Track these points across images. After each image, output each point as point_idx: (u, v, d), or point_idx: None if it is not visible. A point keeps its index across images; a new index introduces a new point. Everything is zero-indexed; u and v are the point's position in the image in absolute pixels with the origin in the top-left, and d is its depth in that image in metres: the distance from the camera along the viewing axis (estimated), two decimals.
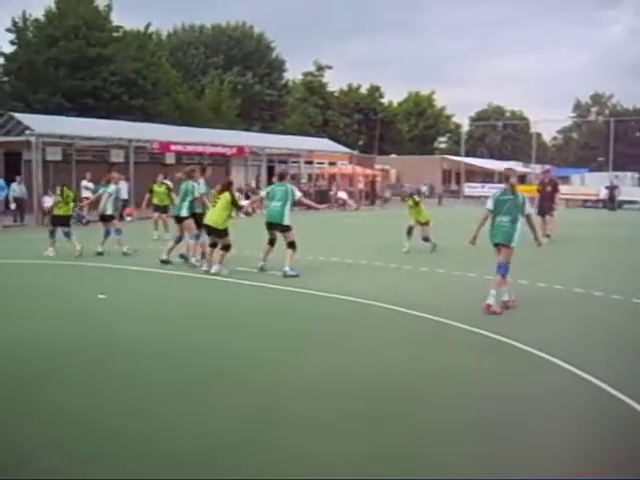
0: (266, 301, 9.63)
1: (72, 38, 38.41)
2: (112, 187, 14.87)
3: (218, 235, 11.59)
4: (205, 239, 12.24)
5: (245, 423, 4.87)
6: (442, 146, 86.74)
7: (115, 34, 41.77)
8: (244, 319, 8.37)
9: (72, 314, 8.56)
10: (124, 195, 26.46)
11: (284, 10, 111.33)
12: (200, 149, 31.05)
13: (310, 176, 41.66)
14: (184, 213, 12.63)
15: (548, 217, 17.12)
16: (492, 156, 75.14)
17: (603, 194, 38.55)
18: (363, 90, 73.94)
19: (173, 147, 30.47)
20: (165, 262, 12.62)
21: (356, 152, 42.57)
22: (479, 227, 8.91)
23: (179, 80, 48.06)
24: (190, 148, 30.93)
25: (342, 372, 6.06)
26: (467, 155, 56.25)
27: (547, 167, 29.50)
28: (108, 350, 6.74)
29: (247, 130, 45.19)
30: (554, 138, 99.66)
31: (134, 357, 6.55)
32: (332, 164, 44.42)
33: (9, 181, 24.08)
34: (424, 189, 14.00)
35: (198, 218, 12.50)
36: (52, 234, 14.16)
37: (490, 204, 8.84)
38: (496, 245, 8.73)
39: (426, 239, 14.80)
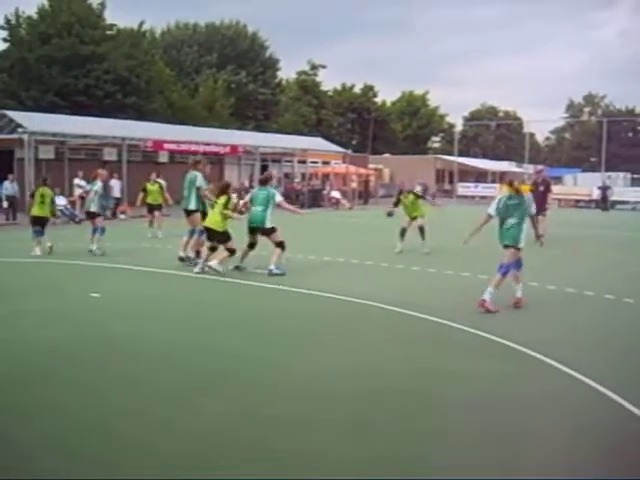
0: (262, 301, 9.64)
1: (65, 36, 38.24)
2: (98, 184, 14.74)
3: (217, 238, 11.42)
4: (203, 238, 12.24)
5: (244, 423, 4.87)
6: (435, 146, 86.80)
7: (108, 32, 41.60)
8: (241, 319, 8.38)
9: (68, 313, 8.54)
10: (116, 194, 26.47)
11: (278, 9, 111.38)
12: (193, 148, 30.96)
13: (303, 175, 41.63)
14: (192, 207, 12.52)
15: (540, 217, 17.13)
16: (485, 156, 75.22)
17: (596, 194, 38.69)
18: (357, 89, 73.92)
19: (166, 146, 30.42)
20: (183, 259, 12.41)
21: (350, 151, 42.57)
22: (476, 230, 9.07)
23: (173, 78, 47.93)
24: (183, 147, 30.88)
25: (340, 373, 6.06)
26: (460, 155, 56.36)
27: (540, 167, 29.52)
28: (106, 350, 6.73)
29: (241, 129, 45.11)
30: (547, 138, 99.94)
31: (132, 357, 6.54)
32: (326, 163, 44.42)
33: (1, 179, 23.99)
34: (418, 189, 14.00)
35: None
36: (36, 234, 14.13)
37: (493, 209, 9.00)
38: (506, 247, 8.88)
39: (421, 228, 14.61)
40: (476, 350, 6.86)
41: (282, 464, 4.22)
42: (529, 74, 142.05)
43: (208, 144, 31.50)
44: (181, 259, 12.44)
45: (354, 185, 40.98)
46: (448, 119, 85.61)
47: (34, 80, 37.77)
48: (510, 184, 9.18)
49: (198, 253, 12.30)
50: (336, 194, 36.86)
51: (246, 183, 34.58)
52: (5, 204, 23.45)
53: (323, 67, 68.71)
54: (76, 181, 24.89)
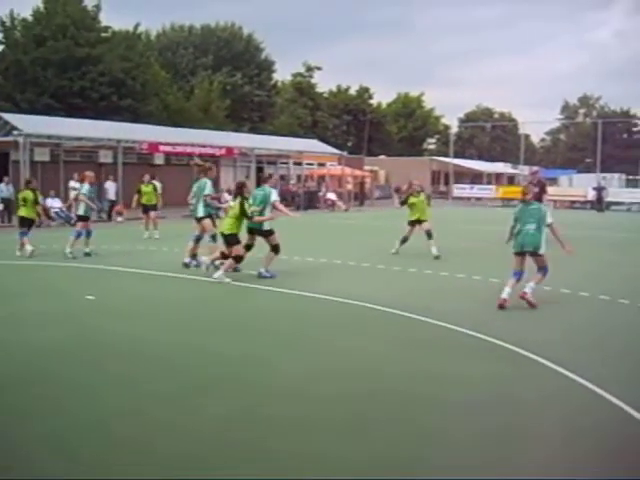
0: (260, 303, 9.65)
1: (60, 38, 38.20)
2: (83, 187, 14.68)
3: (227, 241, 11.10)
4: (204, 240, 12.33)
5: (244, 424, 4.89)
6: (431, 147, 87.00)
7: (104, 34, 41.58)
8: (238, 320, 8.40)
9: (65, 315, 8.54)
10: (112, 196, 26.46)
11: (274, 10, 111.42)
12: (189, 150, 30.97)
13: (299, 177, 41.65)
14: (200, 214, 12.44)
15: None
16: (481, 157, 75.44)
17: (591, 195, 38.80)
18: (352, 91, 74.04)
19: (162, 148, 30.38)
20: (187, 265, 12.24)
21: (345, 153, 42.60)
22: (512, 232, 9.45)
23: (168, 81, 47.92)
24: (179, 149, 30.86)
25: (338, 374, 6.08)
26: (456, 156, 56.43)
27: (535, 168, 29.60)
28: (105, 351, 6.74)
29: (236, 131, 45.11)
30: (542, 139, 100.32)
31: (131, 358, 6.55)
32: (321, 165, 44.44)
33: None
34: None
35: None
36: (22, 235, 14.32)
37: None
38: (518, 254, 9.17)
39: (429, 232, 14.24)
40: (473, 352, 6.87)
41: (281, 464, 4.24)
42: (526, 75, 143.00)
43: (203, 146, 31.48)
44: (185, 265, 12.27)
45: (350, 187, 41.01)
46: (444, 120, 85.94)
47: (29, 82, 37.72)
48: (524, 194, 9.50)
49: (195, 255, 12.33)
50: (332, 196, 36.89)
51: None
52: (0, 206, 23.40)
53: (318, 69, 68.87)
54: (71, 184, 24.83)
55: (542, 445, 4.58)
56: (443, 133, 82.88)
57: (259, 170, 36.81)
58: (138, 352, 6.77)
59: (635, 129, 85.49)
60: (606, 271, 12.93)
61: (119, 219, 25.16)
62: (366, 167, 49.43)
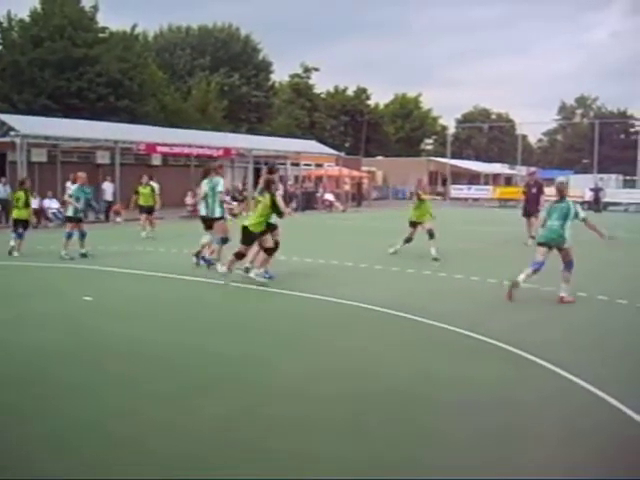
0: (258, 303, 9.65)
1: (57, 39, 38.16)
2: (73, 187, 14.63)
3: (248, 239, 10.70)
4: (206, 239, 12.32)
5: (243, 424, 4.89)
6: (428, 148, 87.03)
7: (101, 35, 41.52)
8: (237, 321, 8.40)
9: (63, 316, 8.52)
10: (109, 197, 26.45)
11: (271, 12, 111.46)
12: (186, 151, 30.96)
13: (297, 178, 41.66)
14: (217, 214, 12.17)
15: (533, 219, 17.22)
16: (478, 158, 75.45)
17: (588, 196, 38.83)
18: (350, 92, 74.09)
19: (159, 148, 30.37)
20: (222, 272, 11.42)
21: (343, 154, 42.64)
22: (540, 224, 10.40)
23: (165, 81, 47.89)
24: (176, 149, 30.84)
25: (337, 374, 6.08)
26: (453, 157, 56.43)
27: (532, 169, 29.50)
28: (104, 352, 6.73)
29: (234, 132, 45.08)
30: (539, 140, 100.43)
31: (130, 358, 6.55)
32: (319, 166, 44.45)
33: None
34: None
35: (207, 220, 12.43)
36: (17, 235, 14.51)
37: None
38: (541, 245, 9.73)
39: (431, 232, 14.11)
40: (471, 352, 6.87)
41: (281, 464, 4.24)
42: (522, 76, 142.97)
43: (201, 147, 31.47)
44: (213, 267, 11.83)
45: (347, 188, 41.02)
46: (441, 121, 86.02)
47: (26, 83, 37.67)
48: (559, 189, 10.15)
49: (198, 254, 12.31)
50: (329, 197, 36.92)
51: (239, 186, 34.56)
52: None
53: (316, 70, 68.89)
54: (68, 184, 24.82)
55: (541, 446, 4.58)
56: (440, 134, 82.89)
57: (257, 171, 36.82)
58: (137, 352, 6.77)
59: (632, 130, 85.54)
60: (604, 271, 12.95)
61: (118, 219, 25.16)
62: (363, 168, 49.48)
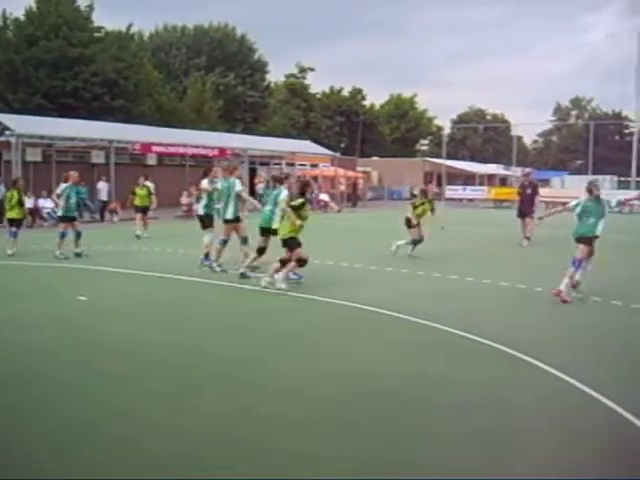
0: (255, 304, 9.64)
1: (53, 38, 38.10)
2: (62, 186, 14.50)
3: (287, 245, 10.47)
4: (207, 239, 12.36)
5: (240, 424, 4.90)
6: (424, 148, 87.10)
7: (96, 34, 41.49)
8: (233, 321, 8.41)
9: (59, 316, 8.52)
10: (104, 196, 26.41)
11: (266, 12, 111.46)
12: (182, 150, 30.95)
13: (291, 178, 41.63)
14: (229, 215, 11.96)
15: (528, 219, 17.27)
16: (473, 159, 75.58)
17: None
18: (345, 92, 74.14)
19: (154, 148, 30.37)
20: (243, 275, 11.31)
21: (338, 154, 42.72)
22: (556, 212, 11.83)
23: (161, 81, 47.85)
24: (172, 149, 30.84)
25: (335, 375, 6.09)
26: (448, 158, 56.52)
27: (528, 170, 29.58)
28: (100, 352, 6.74)
29: (229, 132, 45.08)
30: (535, 141, 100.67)
31: (127, 359, 6.55)
32: (314, 166, 44.44)
33: None
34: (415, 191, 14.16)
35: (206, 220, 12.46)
36: (11, 235, 14.47)
37: (573, 204, 11.04)
38: (579, 240, 10.20)
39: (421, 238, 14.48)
40: (468, 354, 6.88)
41: (278, 464, 4.25)
42: (517, 77, 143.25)
43: (196, 147, 31.46)
44: (242, 275, 11.38)
45: (342, 188, 41.04)
46: (437, 122, 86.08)
47: (21, 82, 37.59)
48: (590, 192, 10.79)
49: (207, 255, 12.29)
50: (324, 197, 36.89)
51: None
52: None
53: (312, 70, 68.96)
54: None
55: (537, 447, 4.59)
56: (436, 134, 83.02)
57: (252, 171, 36.82)
58: (133, 352, 6.78)
59: (627, 131, 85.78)
60: (598, 272, 12.96)
61: (114, 219, 25.12)
62: (359, 168, 49.49)
